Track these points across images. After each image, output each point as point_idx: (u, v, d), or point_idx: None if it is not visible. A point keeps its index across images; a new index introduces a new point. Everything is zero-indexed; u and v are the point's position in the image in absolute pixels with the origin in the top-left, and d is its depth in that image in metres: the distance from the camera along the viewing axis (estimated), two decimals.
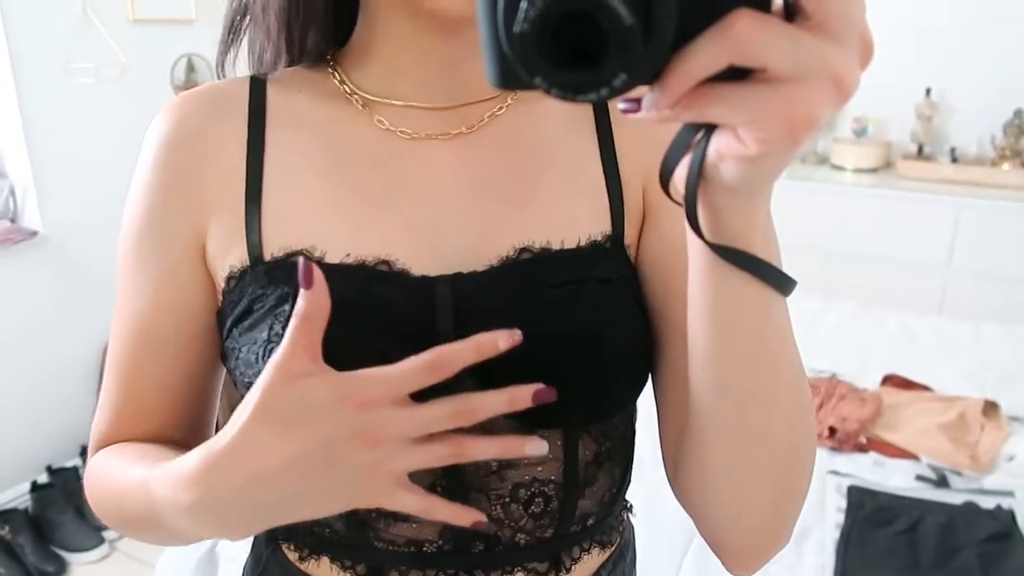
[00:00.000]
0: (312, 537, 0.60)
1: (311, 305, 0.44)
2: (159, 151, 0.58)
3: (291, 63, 0.59)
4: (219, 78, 0.61)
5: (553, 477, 0.55)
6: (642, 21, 0.27)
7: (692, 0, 0.28)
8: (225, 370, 0.63)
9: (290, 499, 0.45)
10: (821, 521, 1.53)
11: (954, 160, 3.04)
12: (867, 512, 1.53)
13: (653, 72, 0.30)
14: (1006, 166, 2.93)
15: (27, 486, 2.42)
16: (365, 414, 0.43)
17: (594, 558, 0.61)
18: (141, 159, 0.59)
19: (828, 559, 1.43)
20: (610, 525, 0.63)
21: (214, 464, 0.44)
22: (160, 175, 0.57)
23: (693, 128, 0.35)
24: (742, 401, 0.45)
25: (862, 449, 1.77)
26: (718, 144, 0.33)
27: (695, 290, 0.43)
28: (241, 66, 0.62)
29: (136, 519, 0.54)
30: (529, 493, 0.55)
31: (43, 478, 2.46)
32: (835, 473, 1.67)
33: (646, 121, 0.32)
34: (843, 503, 1.57)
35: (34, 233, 2.40)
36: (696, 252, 0.41)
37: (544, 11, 0.27)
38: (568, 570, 0.60)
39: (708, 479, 0.51)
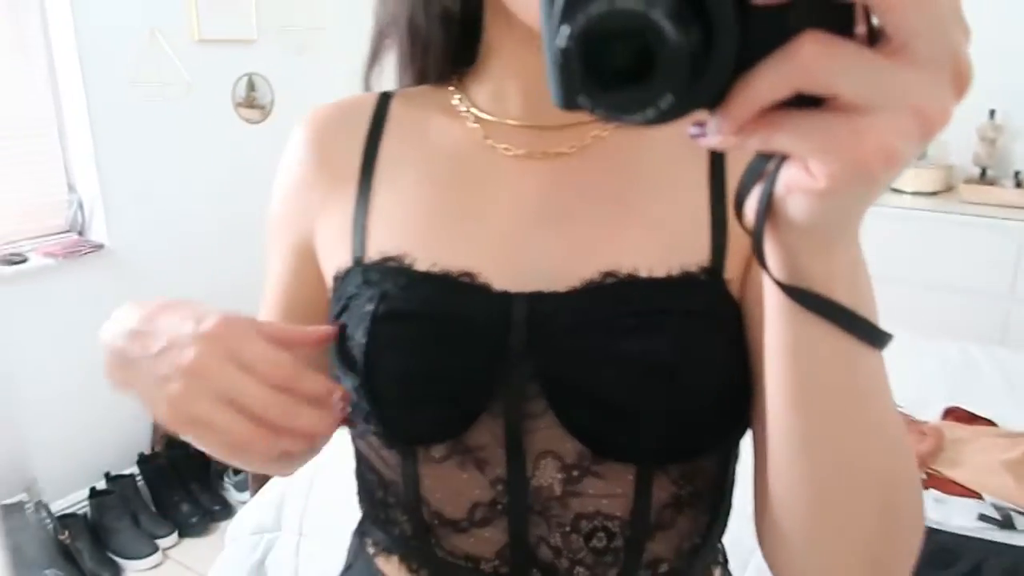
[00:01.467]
0: (385, 535, 0.62)
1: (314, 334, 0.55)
2: (293, 154, 0.64)
3: (418, 81, 0.64)
4: (367, 90, 0.66)
5: (619, 513, 0.54)
6: (695, 41, 0.26)
7: (757, 20, 0.27)
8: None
9: (127, 369, 0.52)
10: None
11: (1019, 184, 2.95)
12: (927, 552, 1.48)
13: (709, 95, 0.28)
14: None
15: (86, 492, 2.50)
16: (197, 341, 0.47)
17: None
18: (283, 160, 0.66)
19: None
20: None
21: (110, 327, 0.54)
22: (291, 176, 0.64)
23: (765, 157, 0.33)
24: (823, 460, 0.42)
25: (923, 486, 1.72)
26: (787, 176, 0.31)
27: (770, 335, 0.40)
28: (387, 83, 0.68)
29: None
30: (592, 526, 0.54)
31: (101, 484, 2.53)
32: None
33: (711, 147, 0.30)
34: None
35: (100, 246, 2.48)
36: (770, 292, 0.38)
37: (587, 28, 0.26)
38: None
39: (793, 543, 0.47)
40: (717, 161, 0.56)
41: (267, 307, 0.67)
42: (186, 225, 2.66)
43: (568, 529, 0.54)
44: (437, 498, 0.56)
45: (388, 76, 0.66)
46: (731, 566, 0.67)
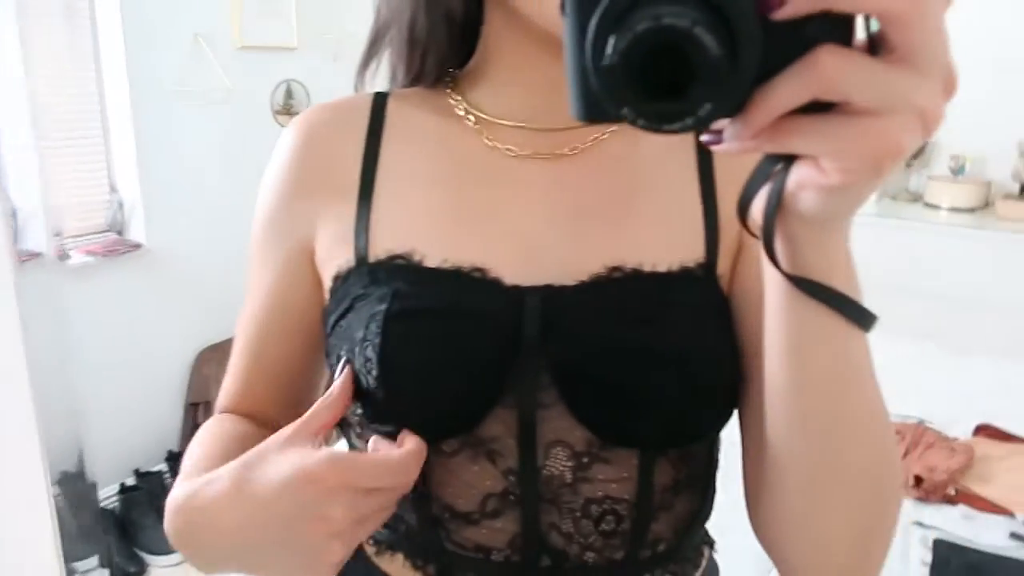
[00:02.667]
0: (388, 532, 0.62)
1: (342, 391, 0.52)
2: (286, 156, 0.63)
3: (414, 82, 0.64)
4: (356, 91, 0.66)
5: (627, 496, 0.55)
6: (728, 54, 0.28)
7: (776, 35, 0.29)
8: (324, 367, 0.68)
9: (247, 555, 0.50)
10: (904, 575, 1.47)
11: None
12: (954, 569, 1.46)
13: (737, 104, 0.31)
14: None
15: (116, 488, 2.55)
16: (327, 498, 0.47)
17: None
18: (271, 162, 0.64)
19: None
20: (685, 556, 0.62)
21: (192, 504, 0.51)
22: (284, 179, 0.63)
23: (773, 159, 0.36)
24: (819, 437, 0.45)
25: (951, 501, 1.68)
26: (799, 175, 0.34)
27: (772, 322, 0.43)
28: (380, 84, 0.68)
29: None
30: (601, 510, 0.55)
31: (131, 481, 2.58)
32: (920, 524, 1.60)
33: (727, 152, 0.33)
34: (928, 557, 1.50)
35: (138, 246, 2.55)
36: (773, 283, 0.42)
37: (634, 43, 0.28)
38: None
39: (786, 520, 0.51)
40: (704, 163, 0.59)
41: (253, 316, 0.65)
42: (221, 229, 2.71)
43: (579, 514, 0.55)
44: (447, 492, 0.56)
45: (377, 76, 0.67)
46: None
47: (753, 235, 0.39)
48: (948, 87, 0.31)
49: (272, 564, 0.50)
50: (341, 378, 0.54)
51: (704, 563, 0.65)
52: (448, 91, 0.63)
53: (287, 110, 2.92)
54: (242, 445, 0.60)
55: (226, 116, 2.71)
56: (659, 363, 0.52)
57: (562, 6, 0.31)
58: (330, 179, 0.61)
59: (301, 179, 0.62)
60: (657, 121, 0.30)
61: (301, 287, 0.63)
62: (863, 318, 0.41)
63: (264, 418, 0.67)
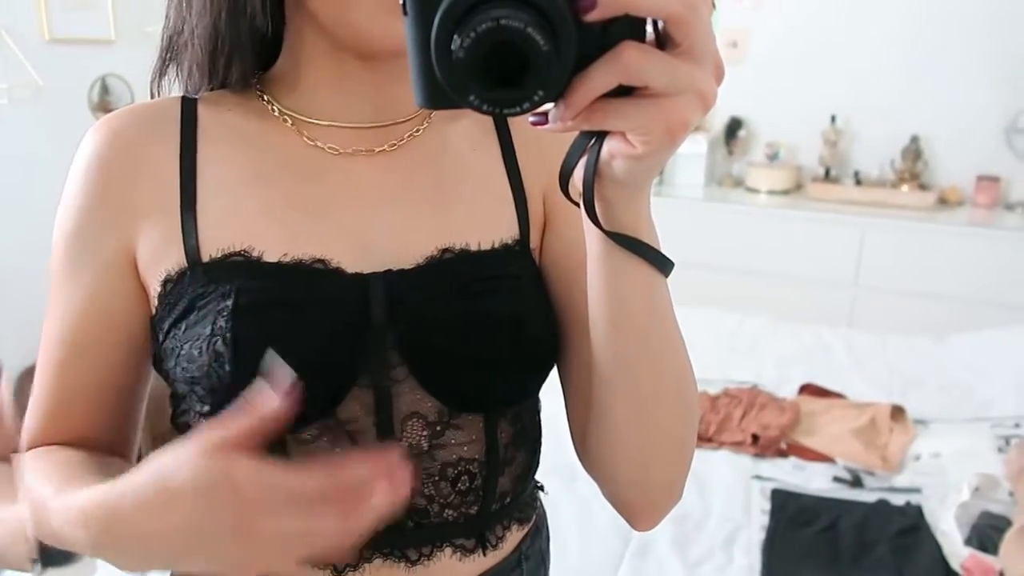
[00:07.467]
0: None
1: (267, 407, 0.44)
2: (91, 163, 0.60)
3: (218, 87, 0.62)
4: (153, 97, 0.64)
5: (477, 456, 0.61)
6: (553, 49, 0.34)
7: (587, 34, 0.35)
8: (151, 376, 0.64)
9: (174, 558, 0.48)
10: (747, 523, 1.60)
11: (858, 182, 3.23)
12: (790, 513, 1.61)
13: (560, 91, 0.36)
14: (905, 188, 3.13)
15: None
16: (250, 511, 0.43)
17: (514, 534, 0.67)
18: (73, 171, 0.60)
19: (755, 559, 1.49)
20: (525, 502, 0.68)
21: (107, 512, 0.48)
22: (92, 187, 0.59)
23: (587, 136, 0.43)
24: (637, 369, 0.52)
25: (783, 454, 1.85)
26: (610, 146, 0.41)
27: (593, 275, 0.50)
28: (173, 88, 0.64)
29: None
30: (456, 471, 0.60)
31: None
32: (759, 478, 1.74)
33: (552, 131, 0.39)
34: (767, 506, 1.64)
35: None
36: (593, 241, 0.48)
37: (477, 41, 0.33)
38: (494, 546, 0.64)
39: (614, 445, 0.57)
40: (507, 152, 0.65)
41: (62, 336, 0.61)
42: (39, 239, 2.50)
43: (437, 478, 0.60)
44: None
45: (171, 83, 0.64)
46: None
47: (573, 202, 0.46)
48: (718, 74, 0.39)
49: (204, 564, 0.46)
50: (266, 386, 0.46)
51: (538, 504, 0.73)
52: (259, 93, 0.63)
53: (104, 107, 2.72)
54: (85, 468, 0.58)
55: (37, 115, 2.49)
56: (493, 329, 0.58)
57: (403, 7, 0.36)
58: (144, 185, 0.59)
59: (108, 189, 0.59)
60: (499, 106, 0.35)
61: (121, 296, 0.60)
62: (664, 264, 0.48)
63: (85, 443, 0.62)
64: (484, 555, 0.64)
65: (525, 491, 0.68)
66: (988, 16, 3.00)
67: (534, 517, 0.70)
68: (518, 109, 0.35)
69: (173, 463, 0.45)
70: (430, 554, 0.61)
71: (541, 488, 0.74)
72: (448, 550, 0.62)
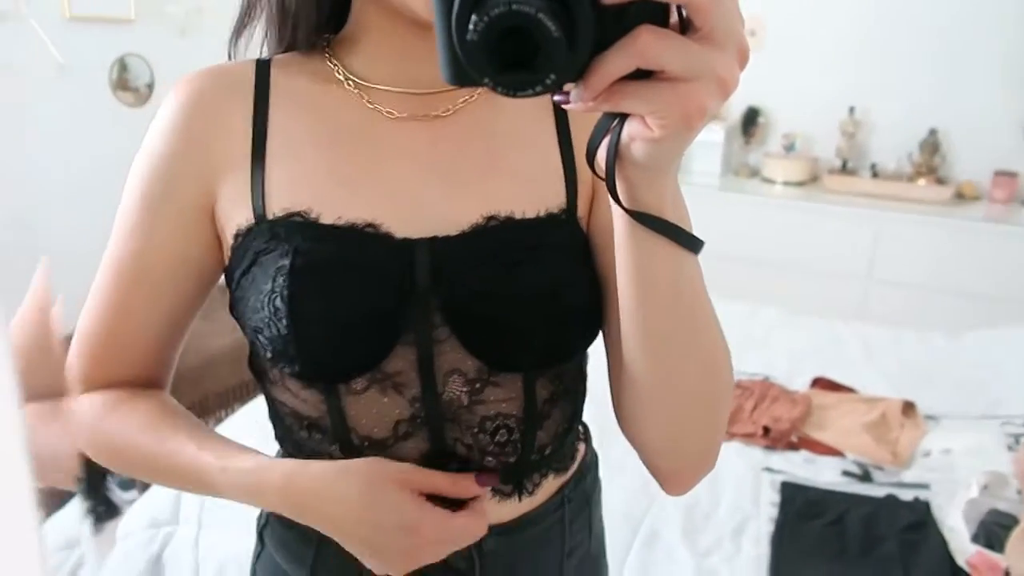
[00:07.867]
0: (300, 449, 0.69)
1: (470, 492, 0.64)
2: (176, 117, 0.64)
3: (288, 49, 0.67)
4: (230, 57, 0.68)
5: (515, 412, 0.65)
6: (567, 33, 0.34)
7: (606, 17, 0.36)
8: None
9: (352, 539, 0.61)
10: (756, 515, 1.61)
11: (875, 175, 3.22)
12: (799, 506, 1.62)
13: (577, 73, 0.37)
14: (921, 182, 3.12)
15: None
16: (423, 547, 0.61)
17: (551, 482, 0.71)
18: (156, 121, 0.65)
19: (764, 551, 1.51)
20: (564, 454, 0.72)
21: (305, 492, 0.61)
22: (175, 137, 0.64)
23: (610, 117, 0.43)
24: (663, 344, 0.53)
25: (793, 447, 1.86)
26: (630, 129, 0.42)
27: (620, 252, 0.50)
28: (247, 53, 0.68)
29: (172, 483, 0.68)
30: (495, 425, 0.65)
31: None
32: (769, 470, 1.76)
33: (575, 110, 0.40)
34: (777, 498, 1.65)
35: None
36: (618, 219, 0.48)
37: (490, 24, 0.34)
38: (530, 492, 0.69)
39: (644, 414, 0.59)
40: (561, 121, 0.67)
41: (139, 263, 0.65)
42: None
43: (476, 430, 0.65)
44: (363, 423, 0.64)
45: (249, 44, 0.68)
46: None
47: (600, 178, 0.46)
48: (741, 59, 0.38)
49: (372, 551, 0.61)
50: (472, 482, 0.64)
51: (579, 456, 0.76)
52: (326, 56, 0.66)
53: (123, 85, 2.74)
54: (180, 427, 0.66)
55: (59, 92, 2.50)
56: (534, 297, 0.60)
57: None
58: (220, 143, 0.63)
59: (190, 142, 0.64)
60: (512, 88, 0.36)
61: (195, 241, 0.65)
62: (692, 243, 0.49)
63: (135, 381, 0.69)
64: (520, 500, 0.69)
65: (566, 442, 0.72)
66: (1010, 11, 2.97)
67: (574, 466, 0.74)
68: (531, 92, 0.36)
69: (382, 496, 0.60)
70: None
71: (587, 440, 0.77)
72: (487, 493, 0.66)
